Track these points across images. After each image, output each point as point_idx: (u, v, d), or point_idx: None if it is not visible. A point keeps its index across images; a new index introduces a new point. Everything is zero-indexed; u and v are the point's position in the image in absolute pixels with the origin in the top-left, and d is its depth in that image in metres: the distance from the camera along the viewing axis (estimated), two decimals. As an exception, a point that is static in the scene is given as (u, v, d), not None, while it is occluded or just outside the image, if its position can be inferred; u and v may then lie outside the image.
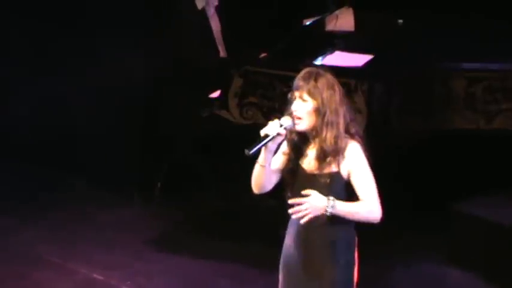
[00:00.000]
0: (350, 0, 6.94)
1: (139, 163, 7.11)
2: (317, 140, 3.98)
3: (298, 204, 3.93)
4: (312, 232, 4.01)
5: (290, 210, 3.93)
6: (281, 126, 3.95)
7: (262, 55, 6.38)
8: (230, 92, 6.09)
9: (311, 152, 4.02)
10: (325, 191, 3.93)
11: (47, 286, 5.81)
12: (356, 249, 4.11)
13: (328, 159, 3.96)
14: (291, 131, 4.02)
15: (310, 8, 6.81)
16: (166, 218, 6.73)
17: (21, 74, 7.52)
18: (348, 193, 3.99)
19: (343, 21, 6.81)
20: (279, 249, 4.20)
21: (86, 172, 7.22)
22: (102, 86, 7.04)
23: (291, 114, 3.99)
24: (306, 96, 3.96)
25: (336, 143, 3.95)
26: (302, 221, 3.91)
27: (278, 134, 3.95)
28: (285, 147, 4.08)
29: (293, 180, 4.05)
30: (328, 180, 3.97)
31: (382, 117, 5.98)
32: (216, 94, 6.29)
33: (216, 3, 6.82)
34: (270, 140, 3.93)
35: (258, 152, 3.95)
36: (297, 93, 3.98)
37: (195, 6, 6.69)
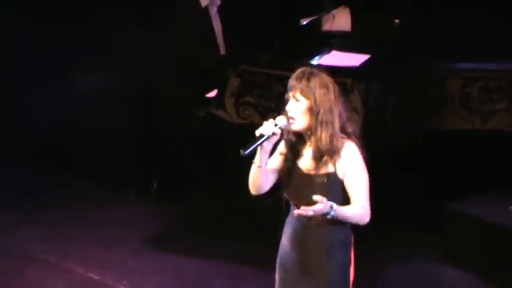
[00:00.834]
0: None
1: (136, 162, 7.11)
2: (313, 139, 3.98)
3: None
4: (308, 232, 4.02)
5: (295, 212, 3.91)
6: (276, 125, 3.94)
7: (260, 55, 6.35)
8: (227, 92, 6.09)
9: (307, 152, 4.02)
10: (322, 190, 3.91)
11: (42, 285, 5.81)
12: (352, 249, 4.11)
13: (324, 158, 3.96)
14: (287, 131, 4.02)
15: (307, 7, 6.81)
16: (163, 217, 6.73)
17: (22, 74, 7.55)
18: (345, 193, 3.99)
19: (340, 21, 6.81)
20: (275, 248, 4.20)
21: (83, 172, 7.21)
22: (101, 86, 7.06)
23: (286, 114, 3.99)
24: (298, 95, 3.96)
25: (331, 142, 3.95)
26: (296, 212, 3.90)
27: (273, 134, 3.94)
28: (282, 147, 4.08)
29: (290, 180, 4.04)
30: (325, 180, 3.96)
31: (379, 116, 5.97)
32: (212, 94, 6.28)
33: (219, 3, 6.83)
34: (265, 139, 3.93)
35: (254, 152, 3.95)
36: (290, 94, 3.98)
37: (198, 4, 6.68)
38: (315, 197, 3.80)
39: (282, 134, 4.00)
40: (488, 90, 6.05)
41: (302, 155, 4.04)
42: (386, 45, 6.56)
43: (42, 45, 7.44)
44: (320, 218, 3.90)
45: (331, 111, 3.96)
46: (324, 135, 3.94)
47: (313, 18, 6.72)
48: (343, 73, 5.73)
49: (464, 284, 5.87)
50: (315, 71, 4.01)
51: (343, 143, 3.98)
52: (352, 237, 4.10)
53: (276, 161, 4.08)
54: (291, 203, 4.10)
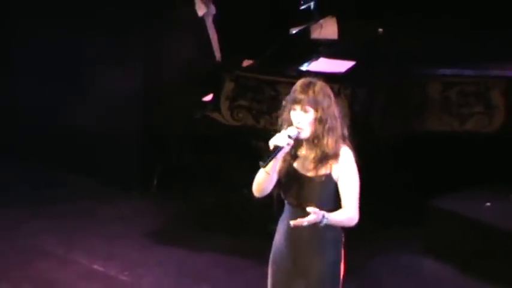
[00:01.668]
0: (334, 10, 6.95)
1: (139, 162, 7.13)
2: (318, 145, 4.04)
3: (297, 210, 4.03)
4: (301, 230, 4.04)
5: (291, 222, 3.94)
6: (289, 137, 4.00)
7: (250, 61, 6.43)
8: (222, 95, 6.18)
9: (305, 154, 4.10)
10: (318, 192, 4.04)
11: (49, 276, 5.86)
12: (343, 246, 4.19)
13: (325, 162, 4.03)
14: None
15: (296, 17, 6.81)
16: (163, 212, 6.78)
17: (24, 75, 7.55)
18: (337, 194, 4.08)
19: (328, 29, 6.86)
20: (268, 242, 4.27)
21: (87, 168, 7.23)
22: (101, 87, 7.04)
23: (291, 123, 4.04)
24: (307, 107, 4.00)
25: (336, 146, 4.04)
26: (292, 224, 3.96)
27: (288, 145, 4.00)
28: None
29: (289, 181, 4.10)
30: (321, 182, 4.05)
31: (364, 120, 6.06)
32: (209, 97, 6.35)
33: (214, 12, 6.88)
34: (281, 150, 3.98)
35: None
36: (297, 106, 4.01)
37: (195, 13, 6.74)
38: (309, 209, 3.86)
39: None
40: (465, 95, 6.16)
41: (299, 158, 4.11)
42: (370, 53, 6.62)
43: (42, 48, 7.39)
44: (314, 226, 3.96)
45: (335, 118, 4.05)
46: (330, 141, 4.02)
47: (302, 27, 6.78)
48: (330, 79, 5.59)
49: (444, 275, 5.95)
50: (314, 80, 4.06)
51: (340, 147, 4.08)
52: (343, 235, 4.17)
53: (276, 164, 4.10)
54: (286, 202, 4.17)
